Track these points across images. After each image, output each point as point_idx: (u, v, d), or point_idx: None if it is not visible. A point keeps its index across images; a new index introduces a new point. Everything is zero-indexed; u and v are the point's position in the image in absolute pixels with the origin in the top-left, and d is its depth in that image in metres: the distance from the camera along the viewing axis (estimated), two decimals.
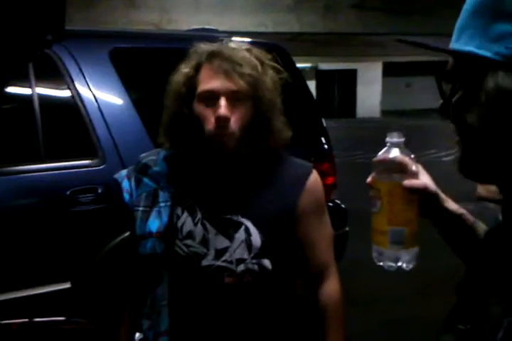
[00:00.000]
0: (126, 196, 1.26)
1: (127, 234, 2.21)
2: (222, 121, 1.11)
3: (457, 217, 0.87)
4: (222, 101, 1.11)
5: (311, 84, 20.29)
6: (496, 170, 0.61)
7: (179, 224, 1.20)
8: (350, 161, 9.83)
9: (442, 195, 0.87)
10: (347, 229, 3.00)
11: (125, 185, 1.27)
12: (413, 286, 3.80)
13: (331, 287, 1.24)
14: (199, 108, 1.15)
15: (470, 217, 0.88)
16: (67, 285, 2.18)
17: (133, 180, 1.26)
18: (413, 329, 3.14)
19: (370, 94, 21.99)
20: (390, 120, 19.83)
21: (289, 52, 2.93)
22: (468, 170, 0.63)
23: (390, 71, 22.69)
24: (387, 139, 0.85)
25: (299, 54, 14.07)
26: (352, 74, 22.17)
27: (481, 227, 0.86)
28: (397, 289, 3.75)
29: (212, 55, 1.14)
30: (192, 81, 1.16)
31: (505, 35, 0.56)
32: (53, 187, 2.19)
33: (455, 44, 0.63)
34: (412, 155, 0.86)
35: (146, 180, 1.25)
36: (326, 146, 2.93)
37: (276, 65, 1.22)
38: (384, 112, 22.14)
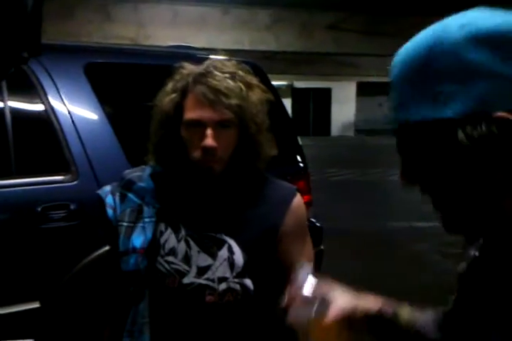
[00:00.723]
0: (110, 211, 1.25)
1: (99, 252, 2.17)
2: (209, 150, 1.12)
3: (377, 317, 0.86)
4: (209, 131, 1.12)
5: (287, 102, 20.49)
6: (477, 221, 0.64)
7: (162, 240, 1.19)
8: (324, 179, 9.91)
9: (360, 304, 0.87)
10: (322, 247, 3.00)
11: (109, 200, 1.26)
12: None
13: None
14: (186, 134, 1.16)
15: (388, 309, 0.87)
16: (36, 304, 2.11)
17: (117, 195, 1.26)
18: None
19: (345, 113, 22.33)
20: (364, 138, 20.14)
21: (265, 70, 2.95)
22: (453, 228, 0.68)
23: (363, 90, 23.11)
24: (298, 270, 0.86)
25: (274, 72, 14.25)
26: (327, 93, 22.50)
27: (403, 314, 0.85)
28: None
29: (197, 82, 1.14)
30: (178, 106, 1.17)
31: (454, 93, 0.58)
32: (24, 203, 2.14)
33: (406, 115, 0.63)
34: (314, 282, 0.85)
35: (130, 195, 1.24)
36: (301, 164, 2.94)
37: (261, 85, 1.23)
38: (358, 131, 22.46)
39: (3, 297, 2.07)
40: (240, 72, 1.19)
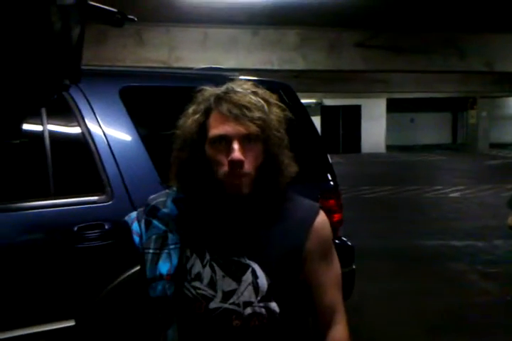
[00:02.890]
0: (136, 239, 1.26)
1: (133, 270, 2.21)
2: (236, 165, 1.12)
3: None
4: (236, 145, 1.13)
5: (316, 120, 20.50)
6: None
7: (188, 266, 1.20)
8: (357, 197, 9.81)
9: None
10: (354, 266, 2.96)
11: (135, 227, 1.28)
12: (422, 325, 3.72)
13: (340, 332, 1.22)
14: (211, 152, 1.16)
15: None
16: (72, 322, 2.15)
17: (143, 222, 1.27)
18: None
19: (375, 130, 22.14)
20: (395, 155, 19.91)
21: (294, 88, 2.98)
22: None
23: (394, 106, 22.93)
24: None
25: (304, 90, 14.29)
26: (356, 110, 22.40)
27: None
28: (406, 328, 3.67)
29: (220, 100, 1.16)
30: (202, 126, 1.18)
31: None
32: (61, 223, 2.20)
33: None
34: None
35: (155, 222, 1.25)
36: (332, 183, 2.94)
37: (280, 103, 1.24)
38: (389, 147, 22.24)
39: (41, 315, 2.11)
40: (260, 91, 1.21)
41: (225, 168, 1.14)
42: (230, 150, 1.13)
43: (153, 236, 1.24)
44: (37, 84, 0.87)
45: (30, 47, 0.80)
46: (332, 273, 1.24)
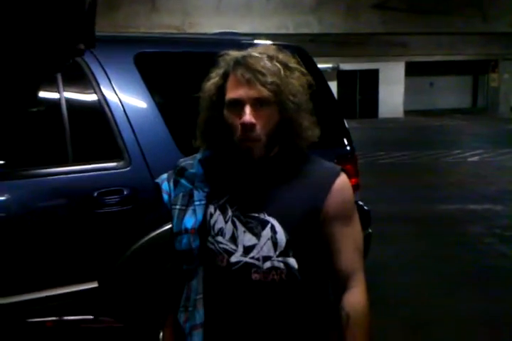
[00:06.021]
0: (165, 197, 1.35)
1: (152, 234, 2.26)
2: (248, 127, 1.16)
3: None
4: (247, 109, 1.17)
5: (333, 85, 20.20)
6: None
7: (212, 221, 1.26)
8: (374, 162, 9.77)
9: None
10: (370, 230, 2.99)
11: (164, 186, 1.37)
12: (439, 287, 3.77)
13: (356, 297, 1.23)
14: (228, 115, 1.21)
15: None
16: (95, 284, 2.23)
17: (171, 181, 1.36)
18: (442, 330, 3.11)
19: (393, 94, 21.77)
20: (413, 120, 19.65)
21: (310, 53, 2.94)
22: None
23: (412, 70, 22.46)
24: None
25: (320, 55, 14.06)
26: (374, 74, 22.00)
27: None
28: (424, 289, 3.72)
29: (236, 64, 1.20)
30: (221, 89, 1.22)
31: None
32: (81, 189, 2.24)
33: None
34: None
35: (183, 181, 1.34)
36: (348, 147, 2.93)
37: (301, 67, 1.26)
38: (407, 112, 21.92)
39: (65, 277, 2.19)
40: (280, 56, 1.23)
41: (239, 132, 1.18)
42: (242, 113, 1.17)
43: (181, 194, 1.32)
44: (51, 49, 0.87)
45: (44, 11, 0.80)
46: (352, 236, 1.25)
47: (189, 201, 1.30)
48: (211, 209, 1.27)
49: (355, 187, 2.87)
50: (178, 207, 1.31)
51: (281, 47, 1.27)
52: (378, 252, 2.96)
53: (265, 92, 1.16)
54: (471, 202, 6.33)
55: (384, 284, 3.70)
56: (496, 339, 3.04)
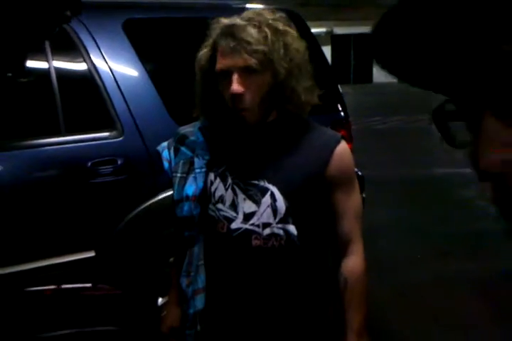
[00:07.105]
0: (166, 164, 1.37)
1: (147, 203, 2.27)
2: (236, 98, 1.17)
3: None
4: (234, 77, 1.16)
5: (327, 50, 19.93)
6: None
7: (212, 189, 1.28)
8: (368, 128, 9.75)
9: None
10: (364, 195, 3.02)
11: (165, 154, 1.38)
12: (433, 250, 3.83)
13: (354, 263, 1.27)
14: (220, 85, 1.21)
15: None
16: (92, 253, 2.25)
17: (172, 149, 1.37)
18: (431, 293, 3.18)
19: None
20: (408, 85, 19.48)
21: (303, 17, 2.89)
22: None
23: None
24: None
25: (312, 19, 13.81)
26: (369, 39, 21.69)
27: None
28: (416, 252, 3.78)
29: (222, 35, 1.19)
30: (212, 60, 1.22)
31: None
32: (75, 159, 2.24)
33: None
34: None
35: (183, 149, 1.35)
36: (342, 113, 2.92)
37: (294, 32, 1.24)
38: None
39: (61, 247, 2.21)
40: (271, 21, 1.21)
41: (229, 101, 1.19)
42: (230, 82, 1.17)
43: (181, 162, 1.34)
44: (38, 16, 0.86)
45: None
46: (351, 203, 1.27)
47: (190, 169, 1.32)
48: (211, 176, 1.28)
49: None
50: (178, 174, 1.33)
51: (274, 10, 1.25)
52: (370, 216, 3.00)
53: (251, 61, 1.16)
54: (463, 166, 6.34)
55: (375, 248, 3.76)
56: (483, 299, 3.12)
